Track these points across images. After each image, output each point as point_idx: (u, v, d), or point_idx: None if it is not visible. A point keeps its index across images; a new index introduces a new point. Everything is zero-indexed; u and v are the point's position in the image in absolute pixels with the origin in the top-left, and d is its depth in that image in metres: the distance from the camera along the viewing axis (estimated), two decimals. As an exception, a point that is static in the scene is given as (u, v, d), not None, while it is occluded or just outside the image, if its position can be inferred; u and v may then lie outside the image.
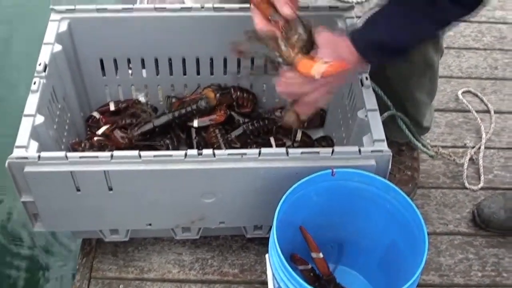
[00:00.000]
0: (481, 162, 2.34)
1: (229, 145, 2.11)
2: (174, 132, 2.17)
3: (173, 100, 2.23)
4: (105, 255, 2.03)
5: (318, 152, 1.69)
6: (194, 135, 2.18)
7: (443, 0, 1.41)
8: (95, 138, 2.10)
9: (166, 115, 2.13)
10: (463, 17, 1.48)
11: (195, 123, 2.15)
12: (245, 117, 2.27)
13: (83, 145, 2.06)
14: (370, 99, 1.81)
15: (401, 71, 1.95)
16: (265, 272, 1.68)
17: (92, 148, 2.05)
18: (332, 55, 1.48)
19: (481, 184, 2.27)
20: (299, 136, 2.27)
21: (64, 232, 2.13)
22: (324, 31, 1.53)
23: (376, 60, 1.55)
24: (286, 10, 1.54)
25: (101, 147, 2.05)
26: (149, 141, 2.11)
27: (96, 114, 2.23)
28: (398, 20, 1.48)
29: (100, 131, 2.13)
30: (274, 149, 1.69)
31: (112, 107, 2.22)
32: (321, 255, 1.74)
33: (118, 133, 2.11)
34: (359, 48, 1.48)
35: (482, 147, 2.39)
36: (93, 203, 1.76)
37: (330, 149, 1.68)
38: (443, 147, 2.35)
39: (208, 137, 2.13)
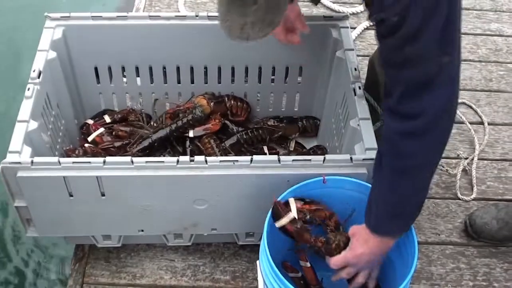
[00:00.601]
0: (474, 173, 2.35)
1: (224, 154, 2.12)
2: (172, 145, 2.18)
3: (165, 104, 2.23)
4: (98, 261, 2.04)
5: (309, 160, 1.70)
6: (187, 143, 2.19)
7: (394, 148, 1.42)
8: (86, 145, 2.10)
9: (164, 129, 2.13)
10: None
11: (191, 134, 2.16)
12: (239, 126, 2.28)
13: (77, 152, 2.07)
14: (362, 108, 1.82)
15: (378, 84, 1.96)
16: (256, 279, 1.68)
17: (86, 155, 2.06)
18: (362, 244, 1.57)
19: (474, 195, 2.28)
20: (292, 145, 2.28)
21: (57, 237, 2.13)
22: (354, 227, 1.62)
23: (395, 231, 1.56)
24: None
25: (94, 155, 2.05)
26: (148, 156, 2.11)
27: (90, 122, 2.23)
28: (379, 192, 1.52)
29: (90, 138, 2.14)
30: (266, 157, 1.71)
31: (107, 120, 2.23)
32: (308, 264, 1.74)
33: (107, 139, 2.12)
34: (371, 229, 1.54)
35: (476, 158, 2.40)
36: (85, 209, 1.77)
37: (321, 157, 1.70)
38: (436, 157, 2.35)
39: (204, 147, 2.14)
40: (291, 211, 1.63)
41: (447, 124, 1.38)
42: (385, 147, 1.47)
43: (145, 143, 2.10)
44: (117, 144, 2.14)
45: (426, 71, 1.31)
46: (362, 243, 1.57)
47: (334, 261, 1.61)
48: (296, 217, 1.63)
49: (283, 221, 1.63)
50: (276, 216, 1.63)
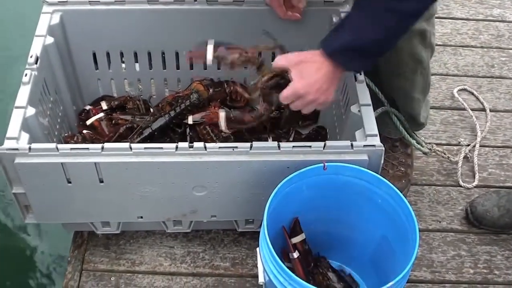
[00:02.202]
0: (475, 160, 2.33)
1: (223, 141, 2.10)
2: (173, 133, 2.16)
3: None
4: (97, 248, 2.03)
5: (310, 146, 1.68)
6: (188, 130, 2.17)
7: None
8: (85, 131, 2.09)
9: (163, 117, 2.10)
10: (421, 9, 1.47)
11: (190, 120, 2.14)
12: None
13: (75, 138, 2.05)
14: (363, 94, 1.80)
15: (391, 68, 1.95)
16: (256, 266, 1.67)
17: (84, 141, 2.05)
18: (314, 71, 1.54)
19: (476, 182, 2.27)
20: (292, 135, 2.26)
21: (56, 224, 2.12)
22: (285, 55, 1.60)
23: (350, 64, 1.56)
24: None
25: (93, 141, 2.04)
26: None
27: (88, 108, 2.21)
28: (360, 20, 1.50)
29: (88, 122, 2.12)
30: (265, 143, 1.69)
31: (104, 106, 2.21)
32: (295, 255, 1.75)
33: (105, 126, 2.10)
34: (329, 55, 1.52)
35: (477, 145, 2.39)
36: (84, 195, 1.76)
37: (322, 143, 1.68)
38: (437, 144, 2.34)
39: (201, 133, 2.12)
40: None
41: None
42: None
43: (145, 132, 2.07)
44: (121, 129, 2.12)
45: None
46: (314, 71, 1.53)
47: (284, 94, 1.56)
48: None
49: None
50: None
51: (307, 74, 1.55)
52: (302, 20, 2.01)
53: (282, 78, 1.62)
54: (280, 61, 1.62)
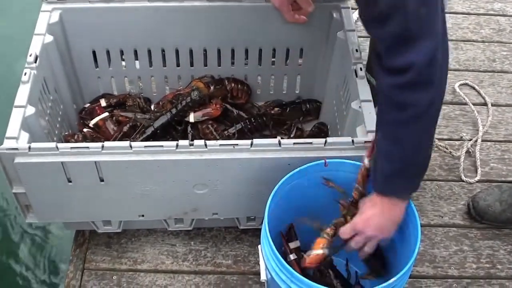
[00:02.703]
0: (477, 154, 2.33)
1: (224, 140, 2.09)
2: (175, 131, 2.15)
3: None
4: (99, 247, 2.03)
5: (311, 143, 1.68)
6: (189, 129, 2.17)
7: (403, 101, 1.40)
8: (85, 130, 2.08)
9: (164, 115, 2.11)
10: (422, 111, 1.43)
11: (191, 118, 2.13)
12: (240, 109, 2.26)
13: (76, 137, 2.05)
14: (364, 90, 1.80)
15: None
16: (258, 263, 1.67)
17: (85, 140, 2.04)
18: (369, 208, 1.55)
19: (478, 177, 2.26)
20: (293, 132, 2.26)
21: (58, 223, 2.12)
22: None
23: (398, 190, 1.53)
24: None
25: (93, 140, 2.04)
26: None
27: (88, 106, 2.21)
28: (383, 143, 1.50)
29: (93, 122, 2.12)
30: (266, 140, 1.68)
31: (103, 103, 2.21)
32: (292, 257, 1.75)
33: (110, 125, 2.10)
34: (377, 190, 1.53)
35: (479, 139, 2.38)
36: (84, 194, 1.76)
37: (323, 140, 1.67)
38: (439, 139, 2.33)
39: (203, 133, 2.11)
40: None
41: (437, 75, 1.36)
42: (384, 104, 1.46)
43: (148, 131, 2.07)
44: (125, 128, 2.12)
45: (406, 24, 1.31)
46: (369, 207, 1.54)
47: (343, 229, 1.58)
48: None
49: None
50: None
51: (365, 210, 1.56)
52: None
53: None
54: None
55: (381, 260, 1.72)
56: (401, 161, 1.47)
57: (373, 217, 1.53)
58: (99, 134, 2.09)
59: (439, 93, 1.42)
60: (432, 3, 1.31)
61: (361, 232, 1.55)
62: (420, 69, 1.33)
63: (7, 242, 2.57)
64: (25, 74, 1.77)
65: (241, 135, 2.16)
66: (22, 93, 1.74)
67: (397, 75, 1.36)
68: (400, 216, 1.55)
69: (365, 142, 1.65)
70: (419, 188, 1.57)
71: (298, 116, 2.30)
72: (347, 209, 1.62)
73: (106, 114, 2.15)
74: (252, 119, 2.20)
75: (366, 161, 1.59)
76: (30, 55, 1.81)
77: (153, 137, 2.07)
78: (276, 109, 2.29)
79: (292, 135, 2.24)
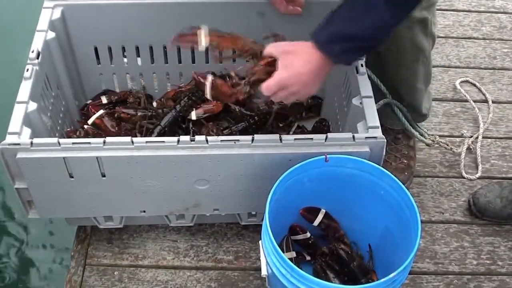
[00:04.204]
0: (478, 151, 2.33)
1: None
2: (180, 129, 2.16)
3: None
4: (100, 242, 2.03)
5: (311, 139, 1.68)
6: (190, 125, 2.17)
7: None
8: (85, 127, 2.09)
9: (170, 113, 2.12)
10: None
11: (193, 116, 2.14)
12: (241, 105, 2.26)
13: (78, 133, 2.06)
14: (365, 86, 1.80)
15: (393, 56, 1.95)
16: (259, 259, 1.68)
17: (87, 136, 2.05)
18: (304, 63, 1.51)
19: (479, 174, 2.26)
20: (293, 129, 2.27)
21: (59, 218, 2.12)
22: (275, 44, 1.57)
23: (340, 55, 1.51)
24: None
25: (95, 136, 2.04)
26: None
27: (89, 102, 2.21)
28: (350, 10, 1.47)
29: (90, 121, 2.12)
30: (267, 136, 1.68)
31: (104, 101, 2.21)
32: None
33: (108, 122, 2.10)
34: (319, 46, 1.49)
35: (480, 136, 2.38)
36: (86, 190, 1.76)
37: (323, 136, 1.68)
38: (440, 136, 2.33)
39: (207, 131, 2.12)
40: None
41: None
42: None
43: (156, 131, 2.08)
44: (128, 126, 2.13)
45: None
46: (303, 63, 1.49)
47: (266, 84, 1.52)
48: None
49: None
50: None
51: (295, 65, 1.51)
52: (302, 13, 2.01)
53: (271, 66, 1.58)
54: (270, 48, 1.58)
55: None
56: (360, 29, 1.44)
57: (303, 74, 1.49)
58: (101, 131, 2.10)
59: None
60: None
61: (286, 87, 1.51)
62: None
63: (9, 238, 2.58)
64: (27, 70, 1.77)
65: (243, 132, 2.17)
66: (24, 89, 1.74)
67: None
68: (326, 75, 1.52)
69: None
70: (350, 64, 1.58)
71: (299, 111, 2.31)
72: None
73: (101, 112, 2.14)
74: (256, 117, 2.21)
75: None
76: (32, 52, 1.82)
77: (162, 136, 2.07)
78: (279, 104, 2.29)
79: (291, 132, 2.24)
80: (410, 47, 1.91)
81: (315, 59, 1.49)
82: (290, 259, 1.71)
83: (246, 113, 2.24)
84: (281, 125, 2.25)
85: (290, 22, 2.03)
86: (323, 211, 1.83)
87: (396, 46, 1.89)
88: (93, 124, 2.11)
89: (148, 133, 2.08)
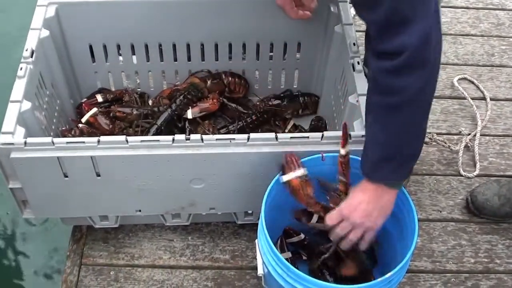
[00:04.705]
0: (476, 149, 2.32)
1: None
2: (176, 128, 2.15)
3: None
4: (96, 242, 2.02)
5: (307, 137, 1.67)
6: (186, 124, 2.16)
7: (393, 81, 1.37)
8: (80, 125, 2.08)
9: (166, 112, 2.11)
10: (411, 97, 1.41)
11: (189, 114, 2.13)
12: (238, 103, 2.25)
13: (73, 132, 2.04)
14: (361, 84, 1.79)
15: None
16: (256, 258, 1.67)
17: (82, 135, 2.04)
18: (357, 194, 1.53)
19: (476, 171, 2.25)
20: (288, 127, 2.26)
21: (55, 218, 2.11)
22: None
23: (387, 177, 1.49)
24: None
25: (90, 134, 2.03)
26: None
27: (84, 101, 2.20)
28: (371, 130, 1.49)
29: (84, 119, 2.11)
30: (263, 134, 1.67)
31: (99, 99, 2.20)
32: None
33: (102, 120, 2.09)
34: (367, 176, 1.50)
35: (478, 134, 2.37)
36: (81, 189, 1.75)
37: (320, 134, 1.67)
38: (438, 134, 2.32)
39: (202, 132, 2.10)
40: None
41: (432, 56, 1.34)
42: (374, 88, 1.44)
43: (153, 130, 2.07)
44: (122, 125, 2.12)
45: (398, 5, 1.29)
46: (358, 193, 1.52)
47: (329, 215, 1.55)
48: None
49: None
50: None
51: (353, 197, 1.54)
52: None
53: None
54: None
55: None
56: (389, 147, 1.45)
57: (361, 203, 1.50)
58: (95, 130, 2.09)
59: (433, 75, 1.39)
60: None
61: (348, 217, 1.52)
62: (413, 52, 1.31)
63: (3, 238, 2.56)
64: (21, 69, 1.76)
65: (241, 133, 2.15)
66: (18, 88, 1.73)
67: (390, 59, 1.34)
68: (389, 204, 1.52)
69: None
70: (409, 176, 1.53)
71: (296, 108, 2.30)
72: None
73: (95, 110, 2.13)
74: (253, 116, 2.20)
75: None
76: (26, 50, 1.81)
77: (158, 135, 2.06)
78: (275, 101, 2.28)
79: (286, 130, 2.23)
80: None
81: (368, 187, 1.50)
82: (286, 259, 1.71)
83: (243, 112, 2.23)
84: (277, 123, 2.24)
85: (286, 16, 2.03)
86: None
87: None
88: (87, 122, 2.09)
89: (144, 132, 2.07)
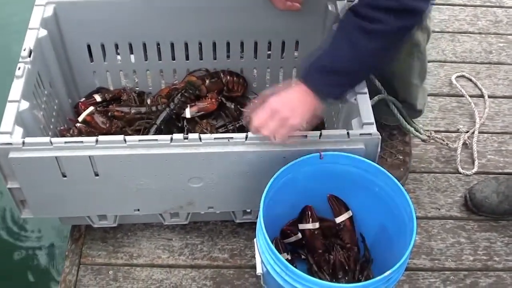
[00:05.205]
0: (474, 146, 2.32)
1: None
2: (175, 127, 2.15)
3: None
4: (95, 241, 2.02)
5: (305, 136, 1.67)
6: (185, 123, 2.16)
7: (377, 14, 1.44)
8: (78, 125, 2.07)
9: (164, 111, 2.11)
10: (406, 29, 1.50)
11: (187, 113, 2.13)
12: (236, 102, 2.25)
13: (71, 131, 2.04)
14: (359, 82, 1.79)
15: None
16: (254, 257, 1.67)
17: (80, 134, 2.03)
18: (288, 90, 1.58)
19: (475, 169, 2.25)
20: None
21: (53, 218, 2.11)
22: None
23: (320, 87, 1.54)
24: None
25: (89, 134, 2.03)
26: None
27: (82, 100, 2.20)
28: (333, 41, 1.53)
29: (80, 118, 2.10)
30: (261, 133, 1.67)
31: (98, 99, 2.19)
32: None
33: (99, 118, 2.09)
34: (302, 76, 1.54)
35: (476, 131, 2.37)
36: (79, 189, 1.75)
37: (318, 133, 1.67)
38: (436, 131, 2.32)
39: (200, 131, 2.10)
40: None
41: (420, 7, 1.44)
42: (357, 15, 1.48)
43: (153, 129, 2.07)
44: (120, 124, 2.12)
45: None
46: (288, 90, 1.57)
47: (257, 113, 1.57)
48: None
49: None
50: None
51: (283, 94, 1.57)
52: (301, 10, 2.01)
53: None
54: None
55: None
56: (343, 63, 1.50)
57: (290, 100, 1.54)
58: (91, 128, 2.08)
59: (414, 20, 1.48)
60: None
61: (276, 111, 1.54)
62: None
63: (2, 238, 2.56)
64: (19, 68, 1.76)
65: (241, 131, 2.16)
66: (16, 88, 1.73)
67: None
68: (311, 106, 1.55)
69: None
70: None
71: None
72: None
73: (91, 108, 2.12)
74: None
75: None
76: (24, 50, 1.80)
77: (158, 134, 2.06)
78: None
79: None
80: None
81: (298, 86, 1.54)
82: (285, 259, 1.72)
83: (242, 111, 2.23)
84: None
85: (284, 17, 2.03)
86: (350, 212, 1.83)
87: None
88: (84, 121, 2.09)
89: (144, 132, 2.07)
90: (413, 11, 1.44)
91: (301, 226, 1.82)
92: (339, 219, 1.82)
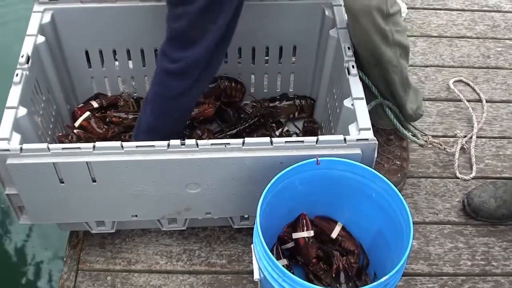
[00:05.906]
0: (472, 151, 2.32)
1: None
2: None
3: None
4: (93, 247, 2.02)
5: (302, 141, 1.67)
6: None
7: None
8: (75, 131, 2.08)
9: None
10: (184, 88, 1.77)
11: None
12: (234, 108, 2.26)
13: (69, 137, 2.05)
14: (356, 88, 1.80)
15: (366, 70, 1.94)
16: (252, 262, 1.66)
17: (79, 140, 2.04)
18: None
19: (473, 174, 2.25)
20: (282, 129, 2.26)
21: (52, 224, 2.11)
22: None
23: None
24: None
25: (87, 140, 2.03)
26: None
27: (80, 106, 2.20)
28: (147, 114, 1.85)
29: (77, 123, 2.11)
30: (257, 139, 1.67)
31: (95, 105, 2.20)
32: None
33: (95, 123, 2.09)
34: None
35: (474, 136, 2.37)
36: (77, 195, 1.75)
37: (314, 138, 1.67)
38: (434, 136, 2.32)
39: (197, 137, 2.11)
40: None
41: (198, 75, 1.72)
42: (157, 82, 1.80)
43: None
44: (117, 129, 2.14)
45: (193, 28, 1.64)
46: None
47: None
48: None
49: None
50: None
51: None
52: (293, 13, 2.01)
53: None
54: None
55: None
56: (153, 121, 1.84)
57: None
58: (88, 134, 2.09)
59: (194, 90, 1.78)
60: (218, 23, 1.65)
61: None
62: (187, 65, 1.69)
63: (0, 243, 2.57)
64: (17, 75, 1.76)
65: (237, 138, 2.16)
66: (14, 94, 1.73)
67: (172, 63, 1.71)
68: None
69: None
70: None
71: (292, 111, 2.30)
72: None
73: (88, 113, 2.13)
74: (250, 120, 2.20)
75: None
76: (22, 56, 1.81)
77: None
78: (271, 103, 2.29)
79: (277, 133, 2.24)
80: (375, 60, 1.88)
81: None
82: (283, 266, 1.72)
83: (240, 117, 2.23)
84: (273, 125, 2.25)
85: (280, 21, 2.03)
86: (340, 223, 1.85)
87: (363, 59, 1.90)
88: (80, 126, 2.09)
89: None
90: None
91: (295, 235, 1.82)
92: (334, 234, 1.83)
